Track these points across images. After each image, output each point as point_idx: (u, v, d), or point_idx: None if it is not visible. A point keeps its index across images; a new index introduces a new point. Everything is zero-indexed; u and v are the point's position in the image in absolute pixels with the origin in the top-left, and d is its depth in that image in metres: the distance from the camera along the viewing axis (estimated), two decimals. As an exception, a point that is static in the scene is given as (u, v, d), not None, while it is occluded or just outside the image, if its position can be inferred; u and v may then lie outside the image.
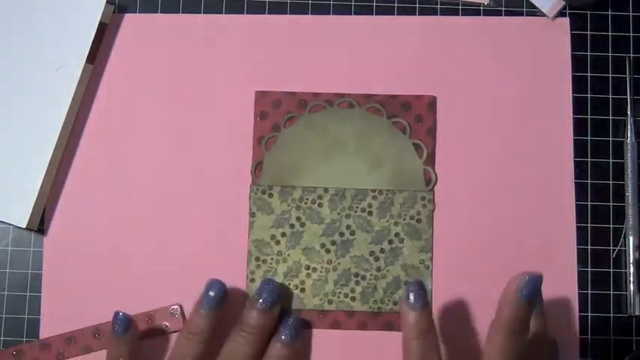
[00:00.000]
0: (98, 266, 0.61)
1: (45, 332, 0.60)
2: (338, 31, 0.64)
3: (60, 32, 0.61)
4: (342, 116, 0.62)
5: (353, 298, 0.60)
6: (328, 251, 0.61)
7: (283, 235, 0.61)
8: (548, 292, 0.60)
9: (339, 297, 0.60)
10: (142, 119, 0.63)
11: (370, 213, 0.61)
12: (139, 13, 0.64)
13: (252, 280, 0.60)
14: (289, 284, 0.60)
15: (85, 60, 0.61)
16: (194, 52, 0.63)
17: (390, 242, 0.61)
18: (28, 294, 0.61)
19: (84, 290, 0.61)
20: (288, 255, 0.61)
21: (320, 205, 0.61)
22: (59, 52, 0.61)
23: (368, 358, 0.60)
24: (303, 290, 0.61)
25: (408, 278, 0.61)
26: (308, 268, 0.61)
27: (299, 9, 0.64)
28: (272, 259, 0.61)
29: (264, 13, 0.64)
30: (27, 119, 0.60)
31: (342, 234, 0.61)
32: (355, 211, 0.61)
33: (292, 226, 0.61)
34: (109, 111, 0.63)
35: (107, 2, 0.62)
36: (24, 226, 0.59)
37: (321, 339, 0.60)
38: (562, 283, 0.61)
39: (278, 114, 0.62)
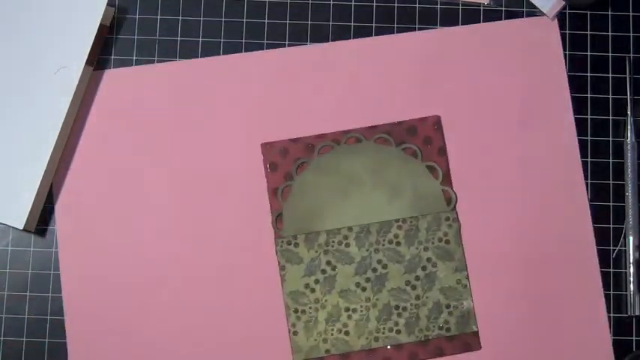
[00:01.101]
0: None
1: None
2: (336, 60, 0.63)
3: (60, 34, 0.62)
4: (351, 152, 0.62)
5: (398, 331, 0.60)
6: (364, 289, 0.60)
7: (317, 281, 0.61)
8: (571, 294, 0.60)
9: (384, 332, 0.60)
10: (146, 183, 0.62)
11: (398, 243, 0.61)
12: (139, 15, 0.64)
13: (295, 333, 0.60)
14: (332, 329, 0.60)
15: (84, 62, 0.61)
16: (192, 105, 0.63)
17: (424, 268, 0.61)
18: (28, 294, 0.61)
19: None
20: (326, 300, 0.60)
21: (347, 245, 0.61)
22: (59, 54, 0.61)
23: None
24: (347, 333, 0.60)
25: (448, 301, 0.60)
26: (348, 309, 0.60)
27: (298, 8, 0.64)
28: (310, 307, 0.60)
29: (264, 14, 0.64)
30: (26, 121, 0.61)
31: (374, 270, 0.61)
32: (383, 245, 0.61)
33: (324, 271, 0.61)
34: (113, 171, 0.62)
35: (108, 4, 0.62)
36: (21, 228, 0.59)
37: None
38: (584, 283, 0.61)
39: (288, 162, 0.62)
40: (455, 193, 0.62)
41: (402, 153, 0.62)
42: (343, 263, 0.61)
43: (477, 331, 0.60)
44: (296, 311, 0.60)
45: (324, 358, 0.60)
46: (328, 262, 0.61)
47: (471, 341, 0.60)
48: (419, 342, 0.60)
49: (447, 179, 0.62)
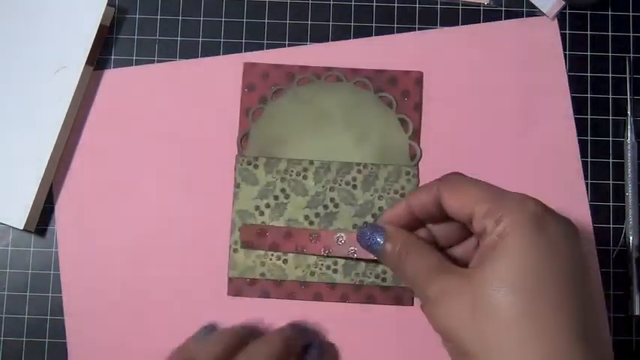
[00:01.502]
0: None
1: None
2: (336, 60, 0.64)
3: (60, 34, 0.62)
4: (329, 89, 0.63)
5: (335, 270, 0.61)
6: (312, 223, 0.61)
7: (267, 206, 0.61)
8: None
9: (321, 269, 0.61)
10: (146, 183, 0.63)
11: (355, 186, 0.61)
12: (139, 15, 0.64)
13: (235, 251, 0.61)
14: (272, 255, 0.61)
15: (84, 62, 0.61)
16: (192, 105, 0.63)
17: (374, 216, 0.61)
18: (28, 294, 0.61)
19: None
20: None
21: (305, 177, 0.62)
22: (59, 54, 0.61)
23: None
24: (285, 261, 0.61)
25: None
26: None
27: (298, 8, 0.64)
28: None
29: (264, 14, 0.64)
30: (26, 121, 0.61)
31: (326, 206, 0.61)
32: (340, 184, 0.61)
33: (276, 197, 0.61)
34: (113, 171, 0.63)
35: (108, 4, 0.62)
36: (21, 228, 0.59)
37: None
38: None
39: (266, 86, 0.63)
40: (421, 150, 0.62)
41: (377, 100, 0.63)
42: (297, 194, 0.61)
43: None
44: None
45: (257, 280, 0.60)
46: (283, 190, 0.61)
47: (403, 295, 0.60)
48: (353, 285, 0.61)
49: (416, 135, 0.62)
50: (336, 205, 0.61)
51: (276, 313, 0.61)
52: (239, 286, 0.61)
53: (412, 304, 0.60)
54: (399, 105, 0.63)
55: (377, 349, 0.61)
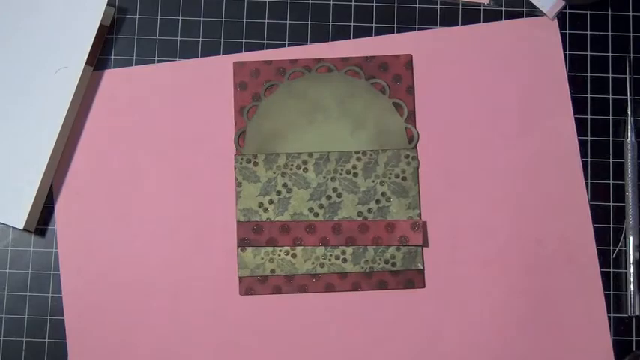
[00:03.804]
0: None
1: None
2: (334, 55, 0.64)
3: (60, 34, 0.62)
4: (321, 81, 0.63)
5: (344, 260, 0.61)
6: (317, 215, 0.61)
7: (271, 202, 0.61)
8: (571, 294, 0.61)
9: (330, 260, 0.61)
10: (146, 183, 0.63)
11: (355, 174, 0.62)
12: (139, 15, 0.64)
13: (243, 250, 0.61)
14: (280, 251, 0.61)
15: (84, 62, 0.61)
16: (192, 105, 0.64)
17: (378, 202, 0.61)
18: (28, 294, 0.61)
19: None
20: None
21: (305, 170, 0.62)
22: (59, 54, 0.61)
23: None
24: (294, 256, 0.61)
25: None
26: None
27: (298, 8, 0.64)
28: None
29: (264, 14, 0.64)
30: (26, 121, 0.61)
31: (329, 197, 0.62)
32: (341, 174, 0.62)
33: (279, 192, 0.62)
34: (113, 171, 0.63)
35: (108, 4, 0.62)
36: (21, 228, 0.59)
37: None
38: (584, 283, 0.61)
39: (257, 83, 0.63)
40: (418, 132, 0.62)
41: (370, 87, 0.63)
42: (299, 187, 0.62)
43: (422, 269, 0.61)
44: None
45: (268, 277, 0.61)
46: (284, 185, 0.62)
47: (414, 278, 0.61)
48: (363, 273, 0.61)
49: (411, 118, 0.62)
50: (339, 195, 0.62)
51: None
52: (250, 285, 0.61)
53: (424, 286, 0.61)
54: (392, 89, 0.63)
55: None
